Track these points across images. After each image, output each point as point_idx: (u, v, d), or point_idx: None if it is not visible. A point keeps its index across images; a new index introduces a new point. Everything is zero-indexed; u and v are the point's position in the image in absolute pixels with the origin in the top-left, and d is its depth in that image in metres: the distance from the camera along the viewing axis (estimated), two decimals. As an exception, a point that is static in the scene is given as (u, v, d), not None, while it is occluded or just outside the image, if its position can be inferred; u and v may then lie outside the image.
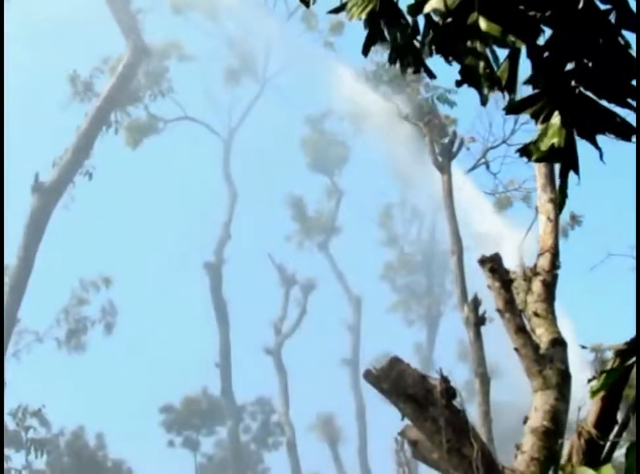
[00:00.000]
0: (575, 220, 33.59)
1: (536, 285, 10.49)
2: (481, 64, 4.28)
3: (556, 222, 11.38)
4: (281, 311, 56.89)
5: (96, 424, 49.54)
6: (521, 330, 9.93)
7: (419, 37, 4.55)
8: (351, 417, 55.92)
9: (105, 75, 45.63)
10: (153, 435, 51.56)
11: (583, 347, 5.85)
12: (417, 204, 51.23)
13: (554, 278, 10.75)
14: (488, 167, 44.63)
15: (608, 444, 7.92)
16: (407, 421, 9.13)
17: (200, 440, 53.45)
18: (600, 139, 4.14)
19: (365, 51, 4.83)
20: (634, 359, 4.57)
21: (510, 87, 4.15)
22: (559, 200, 11.18)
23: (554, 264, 10.87)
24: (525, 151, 4.18)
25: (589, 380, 4.79)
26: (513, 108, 4.18)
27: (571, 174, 4.37)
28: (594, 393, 4.63)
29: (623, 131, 4.01)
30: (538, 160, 4.19)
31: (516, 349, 9.79)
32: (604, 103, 4.01)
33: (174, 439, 52.82)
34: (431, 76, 4.70)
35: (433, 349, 58.07)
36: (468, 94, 4.57)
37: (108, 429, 49.75)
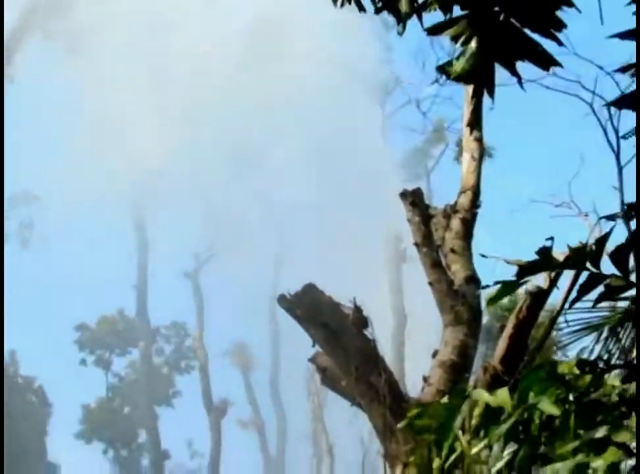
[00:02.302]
0: (487, 152, 33.59)
1: (455, 222, 10.54)
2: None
3: (479, 161, 11.40)
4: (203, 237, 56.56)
5: (8, 341, 49.06)
6: (437, 265, 10.01)
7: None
8: (266, 346, 56.29)
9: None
10: (66, 354, 51.34)
11: (483, 256, 5.86)
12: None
13: (473, 216, 10.81)
14: (418, 106, 44.97)
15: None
16: (318, 348, 9.21)
17: (112, 360, 53.45)
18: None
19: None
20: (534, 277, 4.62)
21: (446, 6, 4.12)
22: (470, 120, 11.27)
23: (474, 203, 10.92)
24: (443, 70, 4.17)
25: (483, 287, 4.84)
26: (434, 29, 4.15)
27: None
28: (490, 302, 4.68)
29: (543, 60, 4.03)
30: (456, 80, 4.18)
31: (430, 284, 9.87)
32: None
33: (87, 358, 52.72)
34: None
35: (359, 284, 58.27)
36: (405, 37, 4.52)
37: (20, 346, 49.34)
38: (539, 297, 8.81)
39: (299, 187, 49.03)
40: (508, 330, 8.80)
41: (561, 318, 8.63)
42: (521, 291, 9.60)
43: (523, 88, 4.17)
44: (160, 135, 52.14)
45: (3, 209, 31.50)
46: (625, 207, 4.32)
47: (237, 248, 50.25)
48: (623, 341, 5.62)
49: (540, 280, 8.92)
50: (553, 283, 8.86)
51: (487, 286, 4.71)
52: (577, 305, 5.41)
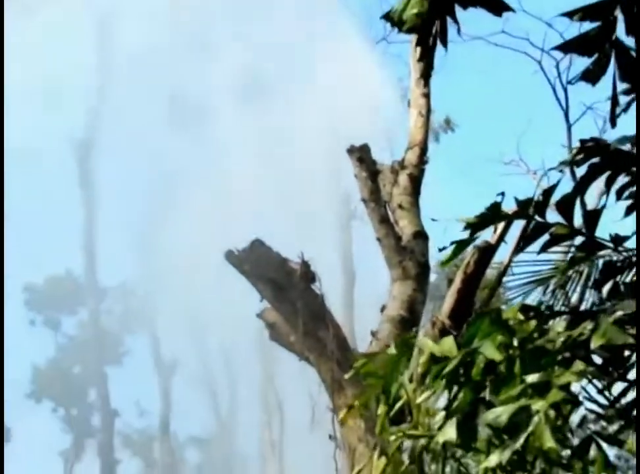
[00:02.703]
0: (448, 124, 33.34)
1: (403, 178, 10.52)
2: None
3: (427, 117, 11.37)
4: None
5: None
6: (385, 221, 10.01)
7: None
8: (216, 304, 55.98)
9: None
10: (14, 314, 50.91)
11: (434, 219, 5.88)
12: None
13: (421, 172, 10.80)
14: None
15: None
16: (266, 303, 9.20)
17: (62, 320, 53.18)
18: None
19: None
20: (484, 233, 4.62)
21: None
22: (419, 75, 11.23)
23: (422, 159, 10.91)
24: (389, 18, 4.11)
25: (440, 250, 4.83)
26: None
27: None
28: (443, 264, 4.68)
29: (495, 6, 3.99)
30: (408, 32, 4.13)
31: (378, 239, 9.88)
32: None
33: (35, 318, 52.42)
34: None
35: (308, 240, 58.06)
36: None
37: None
38: (487, 251, 8.83)
39: (246, 144, 48.85)
40: (456, 284, 8.81)
41: (508, 273, 8.69)
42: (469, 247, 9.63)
43: (461, 36, 4.14)
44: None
45: (3, 206, 31.03)
46: (575, 149, 4.30)
47: (185, 206, 49.95)
48: (569, 293, 5.66)
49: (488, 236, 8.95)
50: (500, 238, 8.91)
51: (445, 248, 4.71)
52: (525, 257, 5.43)
